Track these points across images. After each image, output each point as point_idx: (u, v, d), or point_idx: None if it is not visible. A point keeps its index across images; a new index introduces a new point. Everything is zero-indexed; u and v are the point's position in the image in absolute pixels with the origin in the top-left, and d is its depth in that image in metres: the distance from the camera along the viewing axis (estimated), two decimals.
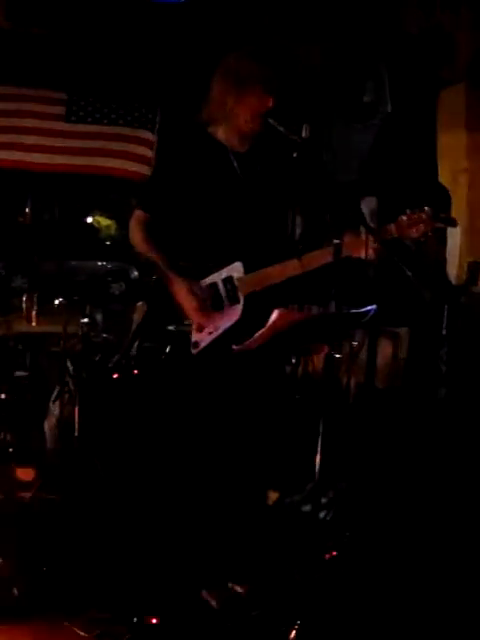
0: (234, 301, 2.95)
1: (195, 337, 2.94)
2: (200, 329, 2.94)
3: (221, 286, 2.96)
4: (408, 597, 2.99)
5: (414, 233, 2.87)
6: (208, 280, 2.97)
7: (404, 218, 2.86)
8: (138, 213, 3.10)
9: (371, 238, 2.83)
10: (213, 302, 2.95)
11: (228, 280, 2.95)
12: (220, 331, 2.94)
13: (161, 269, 3.00)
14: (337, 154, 5.15)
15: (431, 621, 2.87)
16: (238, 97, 2.97)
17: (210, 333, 2.94)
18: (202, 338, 2.94)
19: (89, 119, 5.59)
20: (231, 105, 2.98)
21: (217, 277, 2.97)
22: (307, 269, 2.91)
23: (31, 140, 5.46)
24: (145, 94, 5.64)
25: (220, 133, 3.05)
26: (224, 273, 2.96)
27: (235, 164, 3.03)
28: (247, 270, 2.95)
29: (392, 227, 2.88)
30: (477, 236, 5.04)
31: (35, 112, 5.48)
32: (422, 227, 2.85)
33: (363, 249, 2.86)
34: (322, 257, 2.86)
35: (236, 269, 2.95)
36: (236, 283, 2.95)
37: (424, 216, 2.85)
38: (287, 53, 4.45)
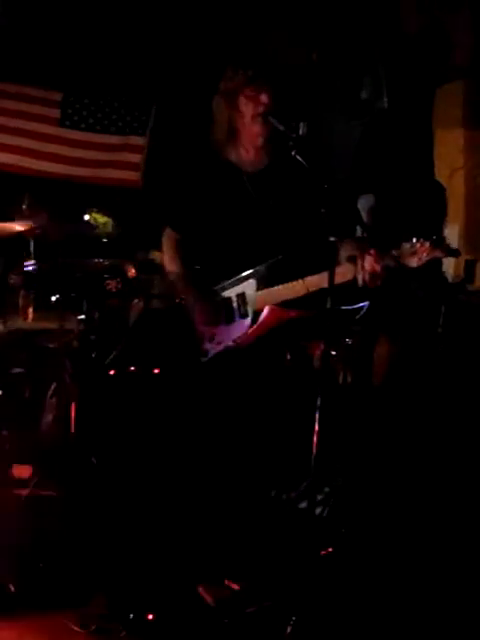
0: (244, 316, 3.13)
1: (206, 346, 3.14)
2: (211, 339, 3.14)
3: (234, 301, 3.16)
4: (404, 593, 2.99)
5: (415, 262, 2.91)
6: (225, 294, 3.19)
7: (407, 246, 2.89)
8: (169, 232, 3.35)
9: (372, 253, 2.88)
10: (226, 315, 3.16)
11: (241, 296, 3.15)
12: (229, 342, 3.11)
13: (182, 286, 3.26)
14: (335, 152, 5.15)
15: (428, 618, 2.88)
16: (233, 108, 3.05)
17: (219, 343, 3.12)
18: (212, 348, 3.13)
19: (83, 125, 5.62)
20: (229, 118, 3.06)
21: (232, 292, 3.17)
22: (311, 291, 3.02)
23: (25, 143, 5.48)
24: (140, 93, 5.66)
25: (232, 155, 3.18)
26: (239, 289, 3.16)
27: (248, 186, 3.16)
28: (259, 285, 3.12)
29: (393, 254, 2.91)
30: (474, 234, 5.04)
31: (31, 114, 5.50)
32: (424, 256, 2.89)
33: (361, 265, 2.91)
34: (325, 280, 2.90)
35: (250, 286, 3.13)
36: (247, 299, 3.12)
37: (427, 246, 2.88)
38: (272, 51, 4.46)
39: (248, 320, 3.13)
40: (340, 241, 2.81)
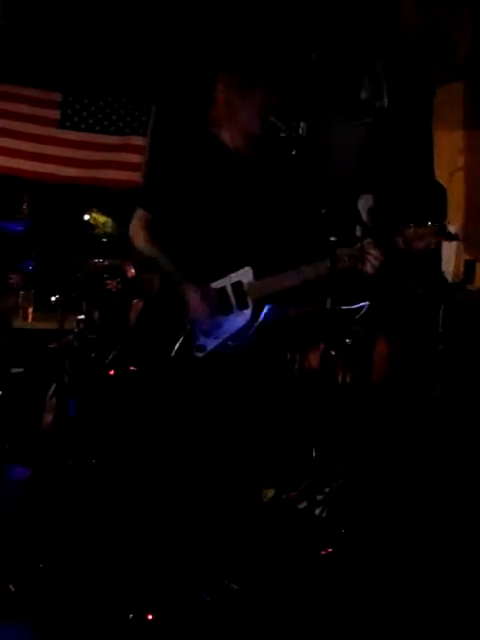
0: (243, 306, 2.95)
1: (201, 341, 2.94)
2: (207, 334, 2.94)
3: (230, 291, 2.96)
4: (404, 594, 2.99)
5: (420, 246, 2.90)
6: (216, 284, 2.96)
7: (411, 231, 2.89)
8: (140, 213, 3.07)
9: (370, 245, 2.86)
10: (221, 307, 2.94)
11: (237, 285, 2.95)
12: (227, 335, 2.94)
13: (168, 272, 2.98)
14: (334, 152, 5.15)
15: (428, 618, 2.88)
16: (243, 97, 2.96)
17: (217, 337, 2.94)
18: (209, 342, 2.94)
19: (83, 125, 5.62)
20: (236, 105, 2.98)
21: (226, 282, 2.96)
22: (306, 280, 2.92)
23: (25, 146, 5.49)
24: (140, 93, 5.67)
25: (225, 135, 3.05)
26: (233, 278, 2.96)
27: (239, 168, 3.03)
28: (256, 274, 2.95)
29: (399, 240, 2.90)
30: (473, 235, 5.04)
31: (30, 116, 5.50)
32: (428, 240, 2.89)
33: (362, 262, 2.88)
34: (319, 269, 2.88)
35: (245, 274, 2.95)
36: (245, 289, 2.95)
37: (429, 231, 2.88)
38: (287, 50, 4.46)
39: (248, 311, 2.95)
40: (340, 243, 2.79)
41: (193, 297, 2.91)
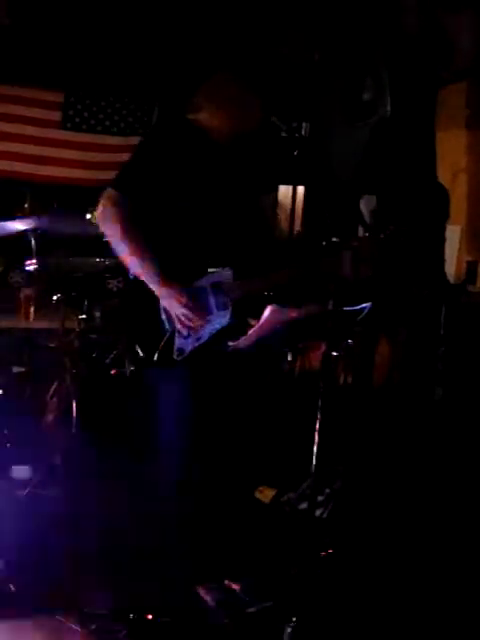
0: (223, 308, 2.87)
1: (180, 343, 2.85)
2: (185, 335, 2.86)
3: (210, 292, 2.87)
4: (404, 594, 2.99)
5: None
6: (196, 284, 2.86)
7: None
8: (114, 194, 2.88)
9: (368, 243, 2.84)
10: (200, 308, 2.85)
11: (216, 286, 2.87)
12: (206, 337, 2.87)
13: (146, 269, 2.83)
14: (337, 153, 5.15)
15: (428, 619, 2.88)
16: (247, 98, 2.90)
17: (197, 339, 2.86)
18: (187, 344, 2.85)
19: (84, 126, 5.63)
20: (236, 101, 2.90)
21: (205, 282, 2.87)
22: (284, 283, 2.89)
23: (28, 150, 5.49)
24: (142, 93, 5.67)
25: (214, 127, 2.93)
26: (213, 278, 2.87)
27: (224, 160, 2.94)
28: (236, 271, 2.88)
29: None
30: (476, 235, 5.04)
31: (32, 118, 5.50)
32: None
33: (347, 268, 2.87)
34: (299, 273, 2.86)
35: (225, 275, 2.87)
36: (224, 289, 2.87)
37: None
38: (289, 50, 4.45)
39: (228, 313, 2.86)
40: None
41: (170, 296, 2.80)
